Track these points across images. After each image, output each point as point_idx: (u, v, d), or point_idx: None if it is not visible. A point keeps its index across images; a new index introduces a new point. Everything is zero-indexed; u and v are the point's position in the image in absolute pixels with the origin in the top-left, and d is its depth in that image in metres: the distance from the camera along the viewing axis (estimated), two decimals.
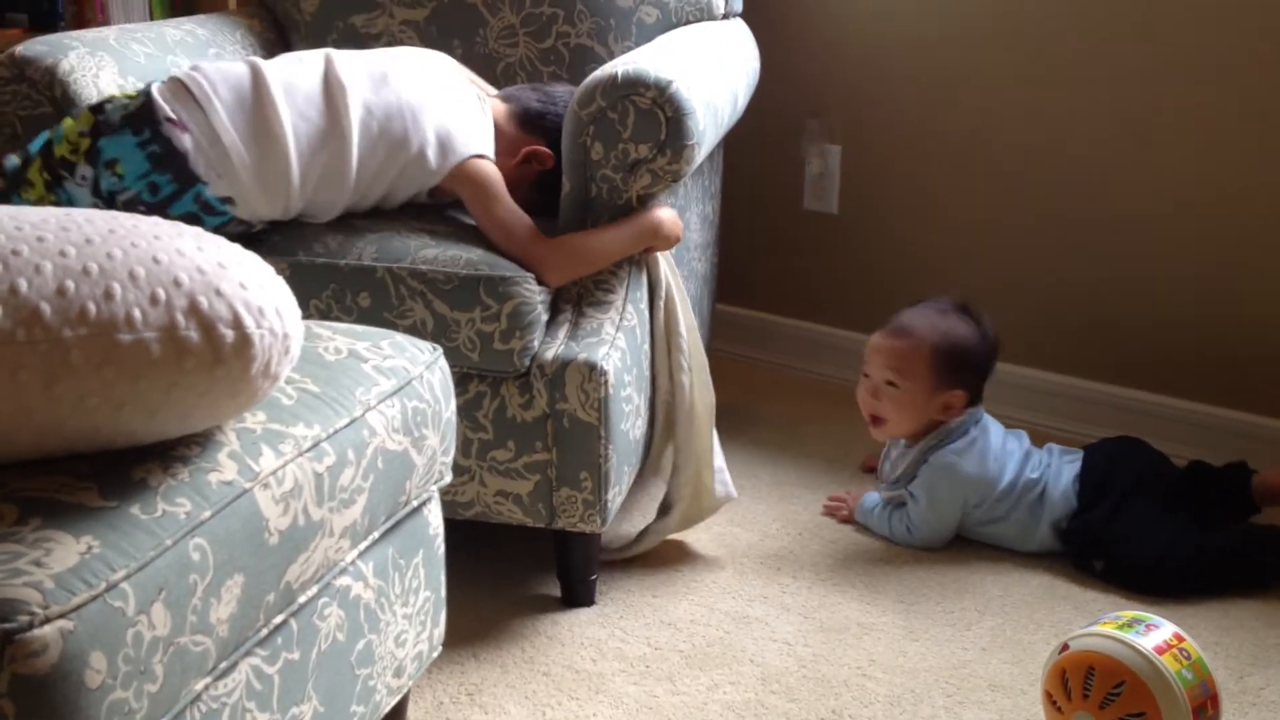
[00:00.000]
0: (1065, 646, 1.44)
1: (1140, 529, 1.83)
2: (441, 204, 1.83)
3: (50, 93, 1.87)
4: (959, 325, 1.97)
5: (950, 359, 1.94)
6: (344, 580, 1.22)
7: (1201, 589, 1.81)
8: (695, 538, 1.96)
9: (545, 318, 1.69)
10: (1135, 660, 1.38)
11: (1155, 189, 2.18)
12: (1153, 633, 1.41)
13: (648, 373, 1.82)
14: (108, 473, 1.00)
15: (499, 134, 1.82)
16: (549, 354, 1.67)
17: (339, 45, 2.04)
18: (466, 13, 2.14)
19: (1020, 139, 2.30)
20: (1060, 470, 1.94)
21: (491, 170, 1.75)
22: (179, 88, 1.67)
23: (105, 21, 2.90)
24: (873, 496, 2.02)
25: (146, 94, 1.65)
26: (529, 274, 1.66)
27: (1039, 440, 2.04)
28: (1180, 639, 1.41)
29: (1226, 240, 2.14)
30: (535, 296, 1.66)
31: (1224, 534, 1.86)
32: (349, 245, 1.68)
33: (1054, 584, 1.85)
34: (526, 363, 1.66)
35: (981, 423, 1.97)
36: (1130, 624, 1.43)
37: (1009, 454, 1.95)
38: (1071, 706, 1.41)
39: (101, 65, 1.91)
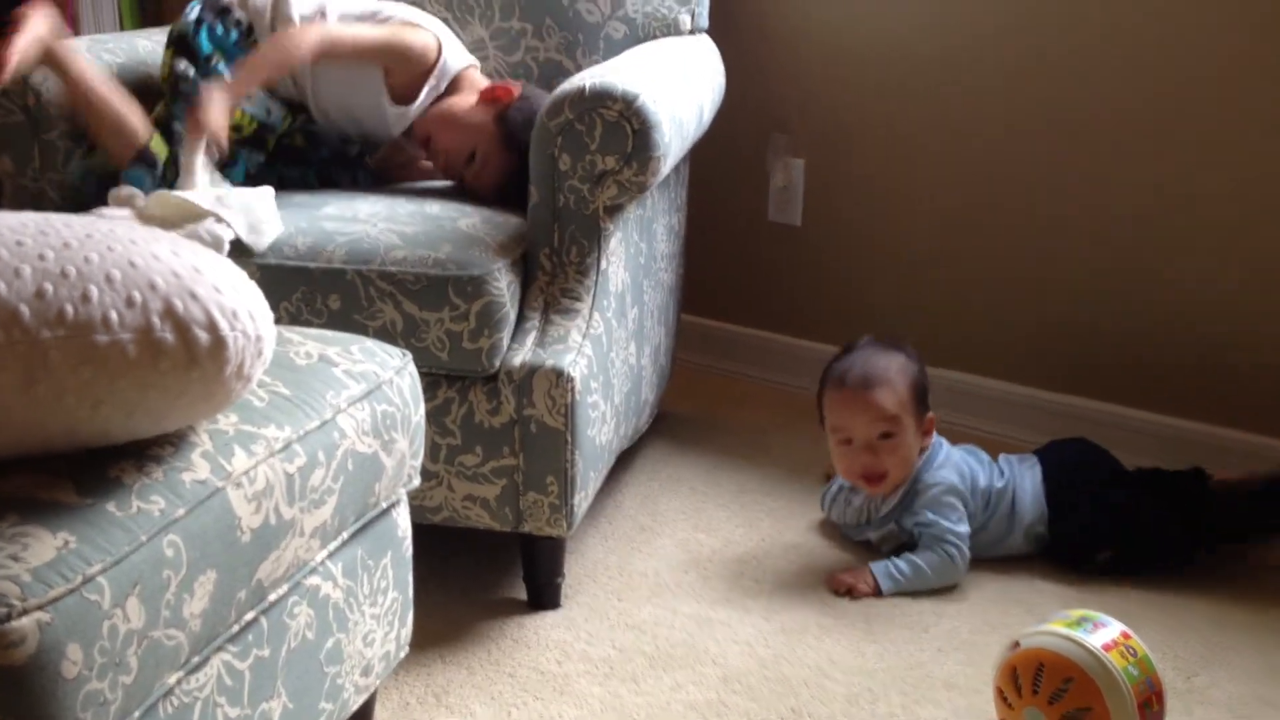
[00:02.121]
0: (1016, 644, 1.48)
1: (1130, 514, 1.90)
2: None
3: (23, 101, 1.89)
4: (899, 354, 1.96)
5: (920, 387, 1.96)
6: (314, 580, 1.25)
7: (1205, 555, 1.93)
8: (660, 544, 1.99)
9: (514, 316, 1.72)
10: (1083, 657, 1.42)
11: (1117, 202, 2.22)
12: (1100, 631, 1.45)
13: (614, 380, 1.85)
14: (84, 471, 1.02)
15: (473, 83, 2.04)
16: (516, 360, 1.70)
17: None
18: None
19: (981, 154, 2.34)
20: (1022, 476, 1.97)
21: (394, 37, 1.99)
22: None
23: (76, 33, 2.91)
24: (880, 565, 1.88)
25: None
26: (497, 273, 1.69)
27: (992, 449, 2.08)
28: (1127, 637, 1.46)
29: (1185, 253, 2.19)
30: (504, 295, 1.69)
31: (1212, 503, 1.94)
32: (319, 248, 1.71)
33: (1009, 587, 1.90)
34: (495, 363, 1.69)
35: (935, 439, 2.00)
36: (1079, 622, 1.47)
37: (967, 462, 1.98)
38: (1022, 702, 1.45)
39: None
